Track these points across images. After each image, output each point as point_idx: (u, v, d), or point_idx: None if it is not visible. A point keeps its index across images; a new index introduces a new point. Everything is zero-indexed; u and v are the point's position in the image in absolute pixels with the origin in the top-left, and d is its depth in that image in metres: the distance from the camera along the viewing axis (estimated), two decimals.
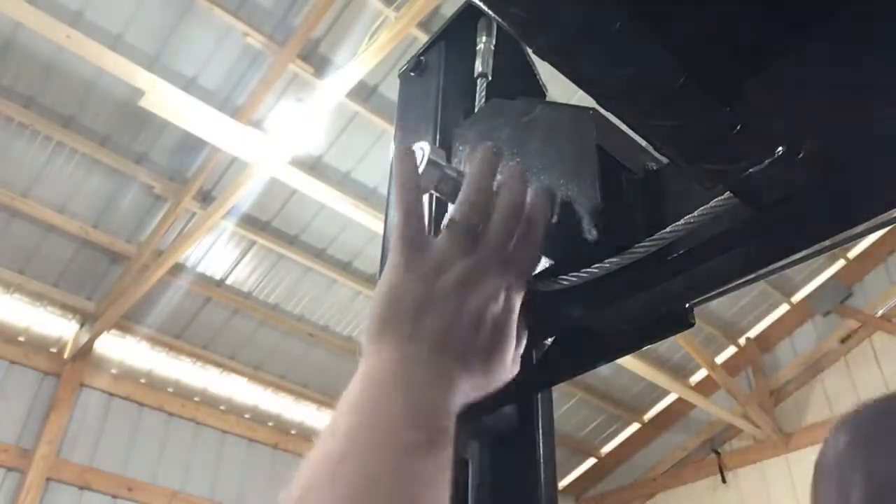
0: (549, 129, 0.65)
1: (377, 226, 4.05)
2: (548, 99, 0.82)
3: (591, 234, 0.58)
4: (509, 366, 0.56)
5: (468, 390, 0.51)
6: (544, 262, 0.61)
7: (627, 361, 5.14)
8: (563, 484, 6.78)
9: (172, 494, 5.08)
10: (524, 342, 0.58)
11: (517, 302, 0.56)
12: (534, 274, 0.63)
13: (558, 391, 5.32)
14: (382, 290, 0.55)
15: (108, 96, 4.20)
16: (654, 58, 0.39)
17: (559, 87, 0.76)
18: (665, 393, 6.37)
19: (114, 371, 5.24)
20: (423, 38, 3.63)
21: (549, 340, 0.68)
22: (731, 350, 6.21)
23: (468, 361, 0.52)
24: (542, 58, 0.42)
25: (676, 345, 5.57)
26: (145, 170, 4.56)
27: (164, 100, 3.49)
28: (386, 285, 0.54)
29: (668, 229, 0.53)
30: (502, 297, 0.55)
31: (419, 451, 0.45)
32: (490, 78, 0.76)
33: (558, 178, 0.62)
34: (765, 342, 6.21)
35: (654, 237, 0.54)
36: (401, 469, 0.44)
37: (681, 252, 0.54)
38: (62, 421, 4.91)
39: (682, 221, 0.52)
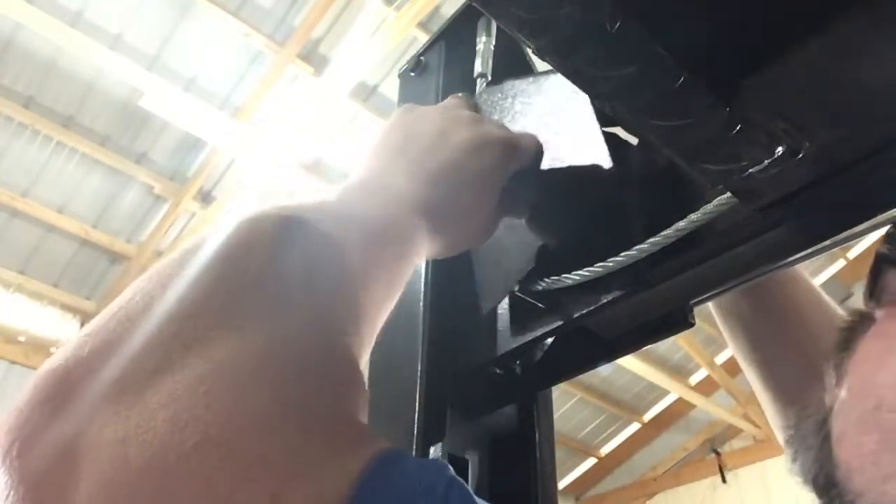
0: (547, 103, 0.66)
1: None
2: None
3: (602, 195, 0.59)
4: (475, 227, 0.58)
5: (432, 228, 0.52)
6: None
7: (627, 361, 5.14)
8: (563, 484, 6.78)
9: None
10: (497, 218, 0.60)
11: (501, 173, 0.58)
12: (533, 273, 0.63)
13: (558, 391, 5.33)
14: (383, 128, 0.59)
15: (108, 96, 4.20)
16: (654, 58, 0.39)
17: None
18: (665, 393, 6.37)
19: None
20: (423, 38, 3.63)
21: (549, 340, 0.68)
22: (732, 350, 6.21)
23: (438, 197, 0.53)
24: (542, 58, 0.42)
25: (676, 345, 5.57)
26: (145, 170, 4.56)
27: (164, 100, 3.50)
28: (387, 124, 0.59)
29: (668, 229, 0.53)
30: (491, 160, 0.57)
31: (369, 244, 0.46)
32: (490, 78, 0.76)
33: (564, 144, 0.62)
34: None
35: (654, 237, 0.54)
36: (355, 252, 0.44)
37: (681, 252, 0.54)
38: None
39: (682, 221, 0.53)
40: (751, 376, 0.75)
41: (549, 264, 0.62)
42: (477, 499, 0.33)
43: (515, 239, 0.66)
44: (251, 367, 0.33)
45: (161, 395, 0.31)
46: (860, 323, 0.46)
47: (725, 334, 0.77)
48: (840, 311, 0.73)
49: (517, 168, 0.60)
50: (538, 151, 0.62)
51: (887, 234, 0.45)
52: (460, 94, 0.66)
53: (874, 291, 0.44)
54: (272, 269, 0.38)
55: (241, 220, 0.41)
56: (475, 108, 0.66)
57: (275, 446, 0.31)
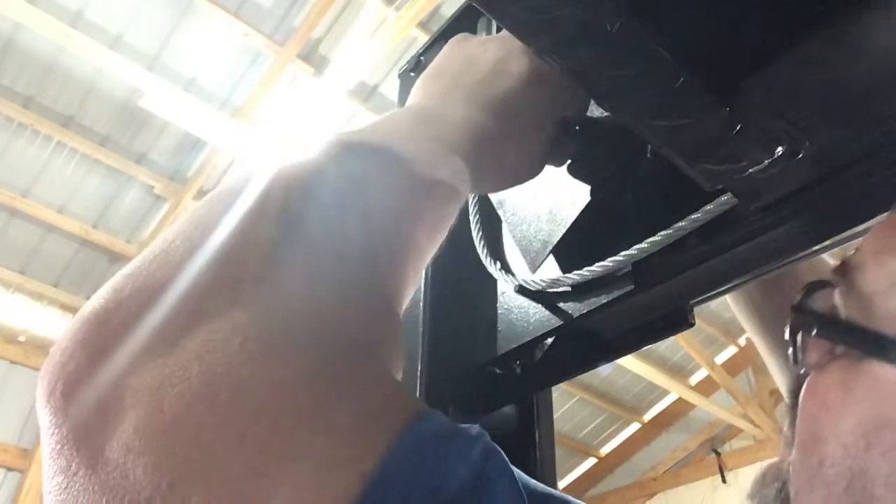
0: None
1: None
2: None
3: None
4: (525, 162, 0.56)
5: (484, 158, 0.51)
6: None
7: (627, 361, 5.14)
8: (563, 484, 6.78)
9: None
10: (546, 156, 0.59)
11: (556, 109, 0.57)
12: (536, 268, 0.63)
13: (558, 391, 5.31)
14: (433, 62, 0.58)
15: (108, 96, 4.20)
16: (654, 58, 0.39)
17: None
18: (665, 393, 6.37)
19: None
20: (423, 38, 3.63)
21: (549, 340, 0.68)
22: (731, 350, 6.21)
23: (495, 125, 0.52)
24: (543, 57, 0.42)
25: (676, 345, 5.57)
26: (145, 170, 4.56)
27: (164, 100, 3.49)
28: (438, 57, 0.58)
29: (668, 229, 0.53)
30: (543, 93, 0.55)
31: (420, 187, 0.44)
32: None
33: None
34: None
35: (653, 237, 0.54)
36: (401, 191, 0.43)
37: (681, 252, 0.54)
38: None
39: (682, 221, 0.53)
40: (766, 359, 0.75)
41: (549, 263, 0.62)
42: (514, 469, 0.33)
43: (550, 198, 0.65)
44: (289, 319, 0.33)
45: (196, 343, 0.30)
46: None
47: (739, 317, 0.77)
48: None
49: (570, 107, 0.59)
50: (587, 96, 0.60)
51: (792, 307, 0.44)
52: None
53: (797, 358, 0.44)
54: (314, 211, 0.37)
55: (286, 157, 0.40)
56: None
57: (308, 405, 0.30)
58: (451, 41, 0.61)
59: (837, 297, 0.42)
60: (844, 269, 0.42)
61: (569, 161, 0.61)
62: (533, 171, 0.58)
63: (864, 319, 0.39)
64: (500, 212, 0.69)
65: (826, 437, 0.39)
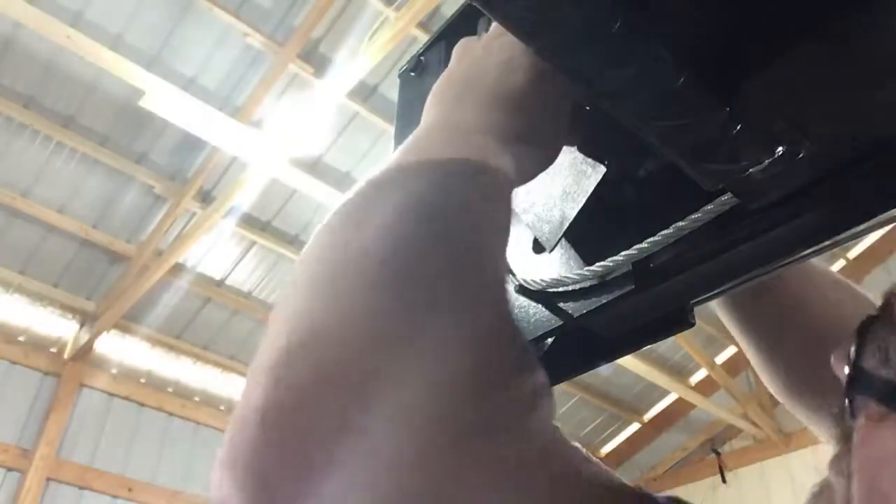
0: None
1: None
2: None
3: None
4: (551, 152, 0.56)
5: (510, 158, 0.51)
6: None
7: (627, 361, 5.14)
8: None
9: (173, 495, 5.07)
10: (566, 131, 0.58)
11: (570, 99, 0.56)
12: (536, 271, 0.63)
13: (558, 391, 5.29)
14: (438, 80, 0.58)
15: (108, 96, 4.20)
16: (654, 58, 0.39)
17: None
18: (665, 393, 6.37)
19: (114, 371, 5.24)
20: (423, 38, 3.63)
21: (549, 340, 0.68)
22: (731, 350, 6.20)
23: (516, 123, 0.52)
24: (543, 58, 0.42)
25: (676, 345, 5.57)
26: (145, 170, 4.56)
27: (164, 100, 3.49)
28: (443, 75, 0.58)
29: (668, 229, 0.53)
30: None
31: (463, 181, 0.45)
32: None
33: None
34: None
35: (654, 237, 0.54)
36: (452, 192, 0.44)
37: (681, 252, 0.54)
38: (62, 421, 4.90)
39: (682, 221, 0.52)
40: (757, 364, 0.75)
41: (549, 263, 0.62)
42: None
43: (562, 177, 0.64)
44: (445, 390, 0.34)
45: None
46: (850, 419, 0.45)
47: (725, 322, 0.77)
48: (859, 293, 0.72)
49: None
50: None
51: (849, 363, 0.43)
52: None
53: (852, 413, 0.43)
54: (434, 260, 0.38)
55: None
56: None
57: None
58: (455, 50, 0.60)
59: (892, 350, 0.40)
60: (891, 310, 0.40)
61: (581, 140, 0.61)
62: (554, 156, 0.57)
63: None
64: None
65: (888, 492, 0.38)
